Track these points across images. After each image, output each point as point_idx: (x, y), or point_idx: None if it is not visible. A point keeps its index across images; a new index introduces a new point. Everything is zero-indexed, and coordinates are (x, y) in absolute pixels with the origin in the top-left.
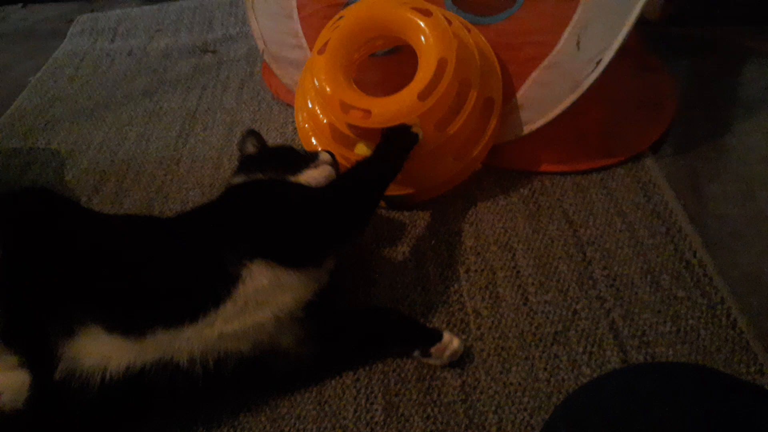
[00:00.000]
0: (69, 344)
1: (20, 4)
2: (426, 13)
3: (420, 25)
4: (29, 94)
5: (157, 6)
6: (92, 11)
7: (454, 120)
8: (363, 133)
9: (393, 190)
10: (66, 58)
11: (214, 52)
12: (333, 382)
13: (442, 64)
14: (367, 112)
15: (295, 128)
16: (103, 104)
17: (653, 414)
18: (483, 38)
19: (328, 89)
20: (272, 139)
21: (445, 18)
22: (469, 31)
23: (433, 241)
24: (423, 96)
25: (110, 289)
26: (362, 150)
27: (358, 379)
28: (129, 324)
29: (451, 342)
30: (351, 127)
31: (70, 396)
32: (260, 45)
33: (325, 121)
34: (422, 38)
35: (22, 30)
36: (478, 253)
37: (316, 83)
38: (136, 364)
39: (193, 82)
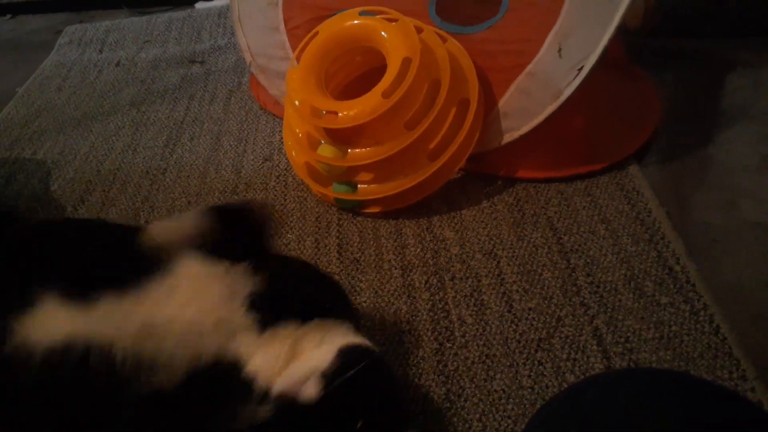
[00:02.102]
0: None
1: (8, 15)
2: (392, 21)
3: (385, 29)
4: (16, 105)
5: (146, 17)
6: (81, 22)
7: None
8: (334, 138)
9: (370, 193)
10: (54, 69)
11: (202, 62)
12: None
13: (406, 63)
14: (335, 114)
15: (282, 138)
16: (90, 114)
17: (633, 421)
18: (459, 45)
19: (297, 102)
20: (259, 149)
21: (416, 26)
22: (444, 40)
23: (418, 249)
24: (387, 94)
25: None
26: (325, 151)
27: None
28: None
29: None
30: (321, 130)
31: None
32: (247, 57)
33: (300, 134)
34: (387, 41)
35: (10, 41)
36: (463, 261)
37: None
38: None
39: (181, 92)
